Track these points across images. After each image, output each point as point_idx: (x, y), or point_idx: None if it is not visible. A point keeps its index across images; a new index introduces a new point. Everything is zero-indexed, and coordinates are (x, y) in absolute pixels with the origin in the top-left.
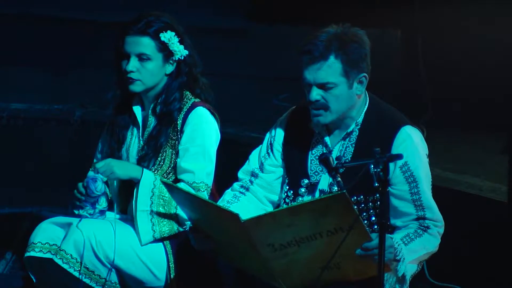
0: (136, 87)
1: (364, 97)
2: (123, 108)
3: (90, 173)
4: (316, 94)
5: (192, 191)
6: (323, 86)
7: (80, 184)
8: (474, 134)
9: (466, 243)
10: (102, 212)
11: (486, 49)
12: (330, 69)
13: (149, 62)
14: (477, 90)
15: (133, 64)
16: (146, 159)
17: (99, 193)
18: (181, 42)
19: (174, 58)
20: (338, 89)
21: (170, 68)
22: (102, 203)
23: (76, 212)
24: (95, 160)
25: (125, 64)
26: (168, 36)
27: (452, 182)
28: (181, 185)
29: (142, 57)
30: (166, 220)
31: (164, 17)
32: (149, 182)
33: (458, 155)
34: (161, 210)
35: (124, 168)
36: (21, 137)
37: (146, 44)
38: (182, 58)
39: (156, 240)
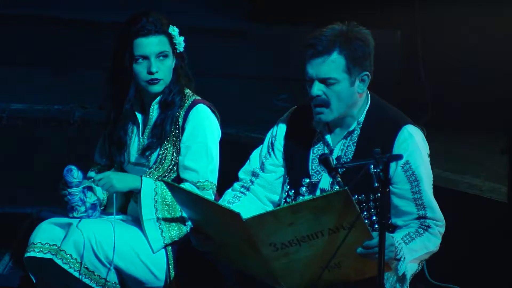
0: (159, 87)
1: (366, 96)
2: (123, 115)
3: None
4: (317, 89)
5: (196, 191)
6: (325, 81)
7: (61, 184)
8: (474, 134)
9: (466, 243)
10: (94, 207)
11: (486, 49)
12: (333, 64)
13: (167, 59)
14: (477, 90)
15: (155, 64)
16: (152, 146)
17: (78, 179)
18: (179, 33)
19: (176, 51)
20: (340, 86)
21: (175, 61)
22: (90, 196)
23: (71, 215)
24: (97, 157)
25: (142, 67)
26: (176, 29)
27: (452, 182)
28: (185, 185)
29: (161, 55)
30: (173, 224)
31: (156, 13)
32: (150, 190)
33: (458, 155)
34: (167, 215)
35: (123, 181)
36: (21, 137)
37: (164, 42)
38: (182, 50)
39: (167, 244)
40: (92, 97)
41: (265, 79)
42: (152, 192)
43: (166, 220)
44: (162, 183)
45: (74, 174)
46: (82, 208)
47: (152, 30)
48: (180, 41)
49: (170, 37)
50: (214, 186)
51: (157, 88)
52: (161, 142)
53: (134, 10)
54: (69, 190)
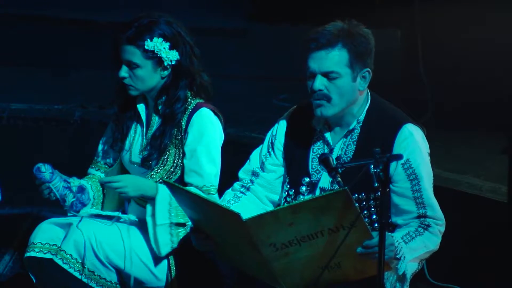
0: (131, 92)
1: (366, 95)
2: (129, 104)
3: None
4: (319, 83)
5: (199, 193)
6: (327, 75)
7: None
8: (474, 134)
9: (466, 243)
10: (81, 189)
11: (486, 49)
12: (336, 58)
13: (138, 69)
14: (477, 90)
15: (124, 70)
16: (150, 159)
17: (49, 170)
18: (172, 46)
19: (164, 64)
20: (342, 80)
21: (165, 72)
22: (73, 181)
23: (66, 209)
24: (99, 151)
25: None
26: (153, 44)
27: (452, 182)
28: (191, 189)
29: (131, 65)
30: (182, 228)
31: (156, 21)
32: (166, 195)
33: (458, 155)
34: (181, 220)
35: (139, 189)
36: (21, 137)
37: (132, 53)
38: (174, 63)
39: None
40: (92, 97)
41: (265, 79)
42: (167, 197)
43: (177, 224)
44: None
45: (42, 168)
46: (71, 195)
47: (126, 39)
48: (166, 55)
49: (148, 51)
50: (216, 190)
51: (131, 92)
52: (160, 156)
53: (134, 10)
54: (49, 184)
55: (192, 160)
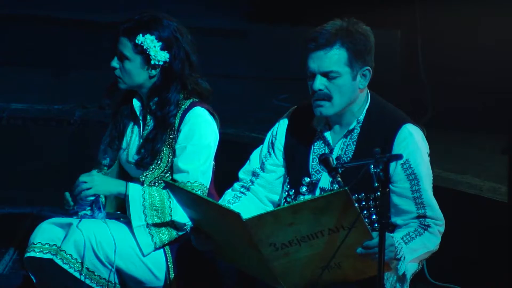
0: (120, 85)
1: (366, 94)
2: (126, 101)
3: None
4: (319, 83)
5: (199, 192)
6: (327, 75)
7: (67, 194)
8: (474, 135)
9: (466, 243)
10: (100, 209)
11: (486, 49)
12: (335, 57)
13: (127, 62)
14: (477, 90)
15: (115, 60)
16: (143, 163)
17: (89, 202)
18: (164, 47)
19: (151, 63)
20: (342, 79)
21: (153, 71)
22: (97, 213)
23: (80, 213)
24: (99, 151)
25: None
26: (142, 39)
27: (452, 182)
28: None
29: (122, 57)
30: (163, 228)
31: (156, 20)
32: (138, 196)
33: (458, 155)
34: (157, 220)
35: (107, 185)
36: (21, 137)
37: (125, 45)
38: (160, 63)
39: (158, 248)
40: (92, 97)
41: (265, 79)
42: (141, 198)
43: (156, 225)
44: (149, 188)
45: (96, 213)
46: (90, 213)
47: (122, 30)
48: (154, 54)
49: (138, 45)
50: (204, 188)
51: (120, 85)
52: (153, 158)
53: (134, 10)
54: (80, 203)
55: (181, 158)
